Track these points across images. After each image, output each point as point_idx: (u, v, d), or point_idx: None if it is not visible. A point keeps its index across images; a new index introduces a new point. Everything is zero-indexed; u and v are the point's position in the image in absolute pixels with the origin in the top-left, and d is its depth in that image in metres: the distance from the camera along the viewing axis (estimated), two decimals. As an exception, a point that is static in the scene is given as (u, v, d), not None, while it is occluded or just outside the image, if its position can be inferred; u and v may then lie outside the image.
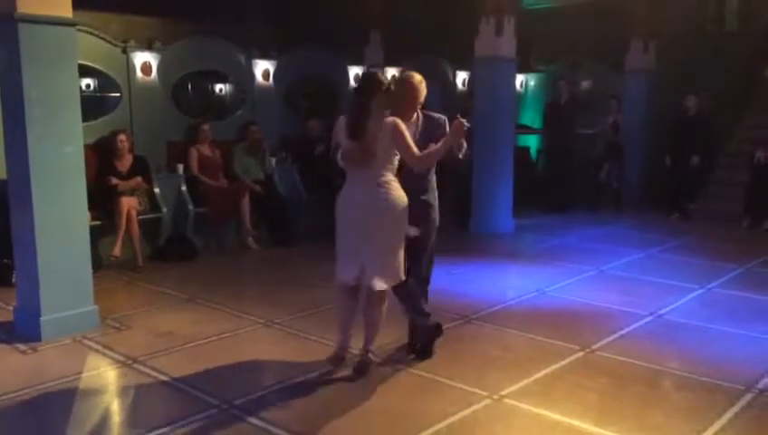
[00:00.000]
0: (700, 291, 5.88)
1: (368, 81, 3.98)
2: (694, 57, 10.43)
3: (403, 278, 4.06)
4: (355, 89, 4.14)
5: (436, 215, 4.30)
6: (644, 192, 10.51)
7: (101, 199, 6.31)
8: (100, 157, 6.74)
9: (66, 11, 4.64)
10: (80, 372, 4.15)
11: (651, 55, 10.66)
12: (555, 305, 5.54)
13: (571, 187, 10.06)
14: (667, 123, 9.83)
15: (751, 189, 8.75)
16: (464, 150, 4.02)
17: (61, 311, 4.71)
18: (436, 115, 4.20)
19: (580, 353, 4.42)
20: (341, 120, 4.00)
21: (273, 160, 8.03)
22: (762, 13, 11.02)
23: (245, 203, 7.44)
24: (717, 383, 3.96)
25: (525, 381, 3.99)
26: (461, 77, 11.05)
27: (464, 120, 3.80)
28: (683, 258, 7.15)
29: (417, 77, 4.10)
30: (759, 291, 5.86)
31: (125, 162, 6.80)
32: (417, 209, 4.08)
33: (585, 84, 11.64)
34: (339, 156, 3.96)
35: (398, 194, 3.93)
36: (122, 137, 6.79)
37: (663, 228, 8.71)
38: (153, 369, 4.17)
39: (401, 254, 4.02)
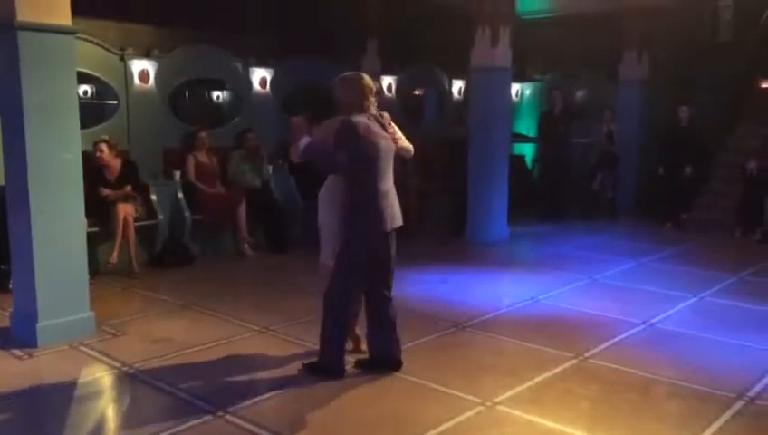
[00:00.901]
0: (693, 300, 5.93)
1: None
2: (687, 67, 10.53)
3: None
4: None
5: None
6: (638, 201, 10.57)
7: (97, 206, 6.32)
8: (91, 165, 6.72)
9: (65, 19, 4.68)
10: (76, 378, 4.17)
11: (645, 66, 10.75)
12: (549, 313, 5.58)
13: (565, 196, 10.12)
14: (660, 133, 9.91)
15: (743, 200, 8.82)
16: (297, 152, 4.07)
17: (57, 317, 4.72)
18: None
19: (573, 361, 4.46)
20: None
21: (271, 168, 8.07)
22: (755, 24, 11.14)
23: (242, 210, 7.47)
24: (709, 392, 4.00)
25: (518, 389, 4.03)
26: (457, 85, 11.12)
27: (298, 119, 4.01)
28: (676, 267, 7.20)
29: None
30: (751, 300, 5.91)
31: (113, 170, 6.73)
32: None
33: (580, 94, 11.74)
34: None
35: None
36: (101, 146, 6.63)
37: (656, 238, 8.76)
38: (149, 375, 4.19)
39: None
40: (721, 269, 6.96)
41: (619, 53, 10.79)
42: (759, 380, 4.15)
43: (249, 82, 8.42)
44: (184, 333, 4.96)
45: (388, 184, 4.12)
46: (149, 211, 7.00)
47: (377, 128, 4.05)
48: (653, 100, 10.61)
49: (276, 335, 4.95)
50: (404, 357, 4.33)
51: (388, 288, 4.28)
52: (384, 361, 4.28)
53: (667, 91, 10.22)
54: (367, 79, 4.13)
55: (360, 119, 3.97)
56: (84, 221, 5.06)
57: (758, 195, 8.61)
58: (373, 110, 4.10)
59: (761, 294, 6.12)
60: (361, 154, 3.94)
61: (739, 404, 3.84)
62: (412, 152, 4.33)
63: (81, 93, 8.35)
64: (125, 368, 4.31)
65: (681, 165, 9.36)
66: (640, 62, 10.72)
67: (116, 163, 6.77)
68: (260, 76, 8.49)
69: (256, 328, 5.07)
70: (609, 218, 10.01)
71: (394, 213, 4.15)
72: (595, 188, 10.13)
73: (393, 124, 4.21)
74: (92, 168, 6.69)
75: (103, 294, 5.82)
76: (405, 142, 4.28)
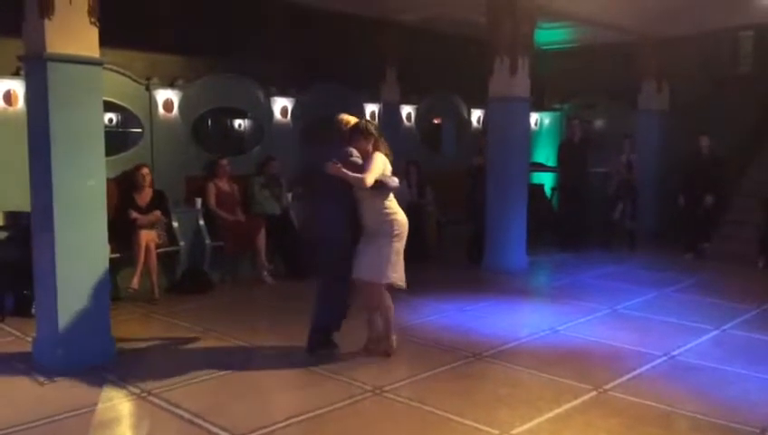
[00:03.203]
0: (715, 332, 5.85)
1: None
2: (707, 98, 10.50)
3: None
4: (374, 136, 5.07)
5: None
6: (657, 231, 10.49)
7: (121, 232, 6.43)
8: (121, 190, 6.89)
9: (93, 50, 4.81)
10: (95, 404, 4.21)
11: (664, 96, 10.75)
12: (568, 344, 5.53)
13: (584, 225, 10.07)
14: (680, 163, 9.86)
15: (765, 230, 8.71)
16: (362, 182, 4.83)
17: (79, 342, 4.79)
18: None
19: (593, 393, 4.41)
20: (384, 159, 4.99)
21: (290, 195, 8.15)
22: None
23: (261, 237, 7.54)
24: (731, 426, 3.93)
25: (537, 421, 3.99)
26: (476, 115, 11.19)
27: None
28: (697, 298, 7.12)
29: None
30: (775, 333, 5.82)
31: (145, 196, 6.94)
32: None
33: (599, 123, 11.73)
34: (390, 183, 4.97)
35: None
36: (145, 171, 6.96)
37: (677, 268, 8.67)
38: (167, 401, 4.22)
39: None
40: (743, 301, 6.86)
41: (639, 83, 10.81)
42: (783, 415, 4.07)
43: (270, 111, 8.55)
44: (203, 359, 4.99)
45: None
46: (171, 238, 7.10)
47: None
48: (672, 129, 10.59)
49: (295, 362, 4.96)
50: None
51: None
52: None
53: (687, 121, 10.18)
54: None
55: None
56: (108, 248, 5.14)
57: (781, 225, 8.52)
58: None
59: (784, 326, 6.03)
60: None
61: (762, 440, 3.78)
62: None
63: (106, 121, 8.52)
64: (144, 394, 4.34)
65: (701, 194, 9.29)
66: (660, 92, 10.73)
67: (149, 190, 6.96)
68: (281, 105, 8.62)
69: (275, 354, 5.09)
70: (627, 248, 9.93)
71: None
72: (615, 218, 10.07)
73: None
74: (124, 191, 6.84)
75: (124, 320, 5.89)
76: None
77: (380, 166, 4.92)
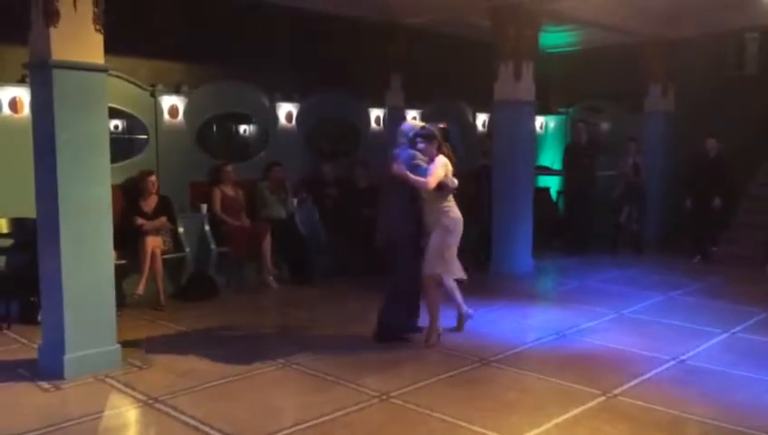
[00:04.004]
0: (724, 335, 5.80)
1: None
2: (713, 100, 10.45)
3: None
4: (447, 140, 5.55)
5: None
6: (664, 234, 10.44)
7: (127, 238, 6.44)
8: (127, 197, 6.89)
9: (98, 57, 4.81)
10: (101, 411, 4.20)
11: (670, 98, 10.71)
12: (575, 348, 5.50)
13: (590, 228, 10.02)
14: (687, 166, 9.81)
15: (773, 233, 8.67)
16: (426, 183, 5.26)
17: (84, 349, 4.78)
18: None
19: (601, 398, 4.38)
20: (446, 161, 5.30)
21: (295, 200, 8.15)
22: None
23: (267, 243, 7.53)
24: (741, 431, 3.89)
25: (545, 426, 3.96)
26: (481, 119, 11.16)
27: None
28: (705, 302, 7.08)
29: None
30: (784, 336, 5.77)
31: (150, 202, 6.94)
32: None
33: (604, 126, 11.70)
34: (450, 185, 5.34)
35: None
36: (153, 178, 6.95)
37: (684, 271, 8.62)
38: (173, 408, 4.20)
39: None
40: (752, 304, 6.82)
41: (644, 86, 10.77)
42: (793, 419, 4.03)
43: (275, 117, 8.55)
44: (209, 367, 4.97)
45: None
46: (176, 244, 7.10)
47: None
48: (679, 132, 10.55)
49: (300, 369, 4.94)
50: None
51: None
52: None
53: (693, 124, 10.14)
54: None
55: None
56: (113, 254, 5.14)
57: (788, 228, 8.46)
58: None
59: (794, 329, 5.98)
60: None
61: (773, 445, 3.74)
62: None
63: (111, 128, 8.52)
64: (150, 401, 4.33)
65: (709, 197, 9.24)
66: (666, 94, 10.69)
67: (154, 196, 6.97)
68: (286, 110, 8.63)
69: (281, 361, 5.07)
70: (634, 251, 9.88)
71: None
72: (622, 221, 10.02)
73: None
74: (130, 197, 6.85)
75: (130, 326, 5.88)
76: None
77: (442, 169, 5.27)
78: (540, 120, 11.57)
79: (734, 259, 8.86)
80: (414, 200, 5.42)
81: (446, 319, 5.75)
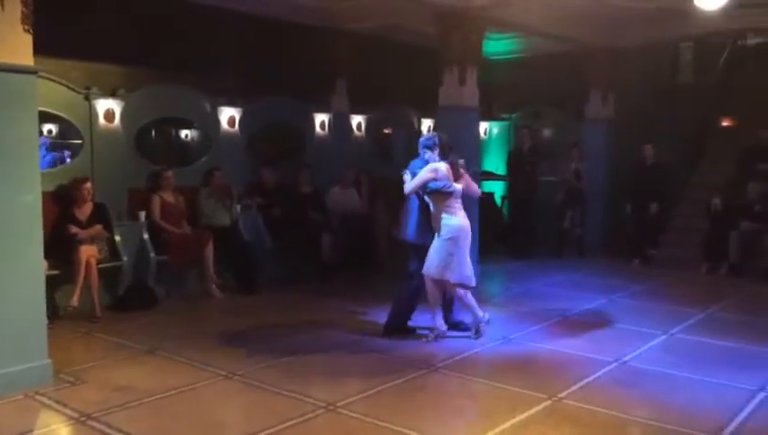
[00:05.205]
0: (663, 337, 5.93)
1: (447, 142, 5.80)
2: (651, 107, 10.77)
3: None
4: (449, 147, 5.80)
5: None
6: (605, 238, 10.67)
7: (60, 248, 6.17)
8: (60, 204, 6.61)
9: (27, 58, 4.58)
10: (30, 430, 3.98)
11: (610, 105, 10.97)
12: (521, 353, 5.53)
13: (534, 233, 10.16)
14: (626, 171, 10.06)
15: (708, 236, 8.95)
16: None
17: (12, 365, 4.51)
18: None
19: (547, 402, 4.39)
20: (444, 168, 5.57)
21: (239, 207, 7.98)
22: (714, 65, 11.49)
23: (209, 250, 7.34)
24: (683, 431, 3.95)
25: (492, 432, 3.94)
26: (426, 124, 11.19)
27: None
28: (645, 304, 7.24)
29: None
30: (721, 336, 5.93)
31: (85, 210, 6.67)
32: None
33: (547, 133, 11.90)
34: (455, 190, 5.58)
35: None
36: (88, 185, 6.67)
37: (624, 274, 8.82)
38: (107, 425, 4.01)
39: None
40: (689, 305, 7.00)
41: (586, 93, 11.01)
42: (732, 419, 4.12)
43: (217, 121, 8.37)
44: (147, 380, 4.77)
45: None
46: (113, 253, 6.83)
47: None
48: (618, 138, 10.81)
49: (243, 380, 4.80)
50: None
51: None
52: None
53: (632, 130, 10.41)
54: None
55: None
56: (44, 265, 4.90)
57: (723, 231, 8.74)
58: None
59: (729, 329, 6.16)
60: None
61: (713, 444, 3.81)
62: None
63: (45, 132, 8.20)
64: (83, 418, 4.12)
65: (647, 202, 9.49)
66: (606, 101, 10.95)
67: (89, 204, 6.69)
68: (228, 115, 8.45)
69: (222, 373, 4.91)
70: (577, 255, 10.06)
71: None
72: (564, 226, 10.19)
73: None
74: (64, 206, 6.57)
75: (63, 340, 5.61)
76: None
77: (427, 174, 5.55)
78: (484, 126, 11.68)
79: (673, 262, 9.11)
80: (427, 207, 5.71)
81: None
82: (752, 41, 11.96)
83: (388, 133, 11.36)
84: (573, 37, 9.86)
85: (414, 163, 5.83)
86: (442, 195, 5.58)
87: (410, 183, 5.63)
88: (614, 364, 5.16)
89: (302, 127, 9.46)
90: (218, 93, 8.41)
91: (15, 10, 4.48)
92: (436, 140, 5.78)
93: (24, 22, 4.54)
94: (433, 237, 5.67)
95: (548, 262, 9.62)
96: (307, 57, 9.21)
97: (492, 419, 4.12)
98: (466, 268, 5.69)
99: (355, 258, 8.58)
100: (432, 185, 5.57)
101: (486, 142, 12.01)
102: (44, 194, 4.98)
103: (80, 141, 7.20)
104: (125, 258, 6.89)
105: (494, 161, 11.92)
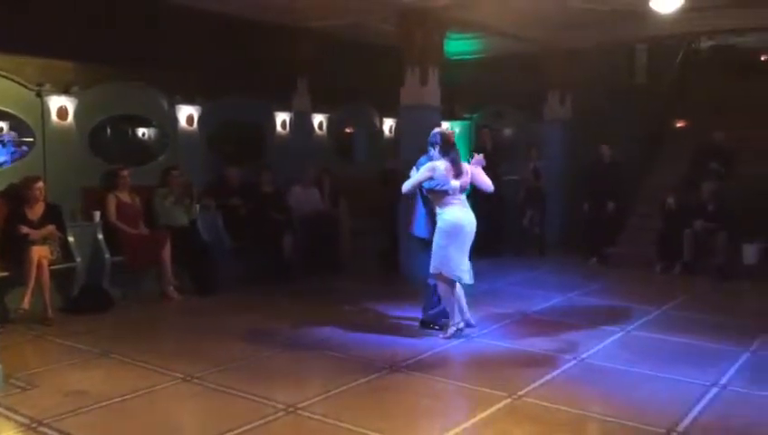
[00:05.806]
0: (620, 334, 6.03)
1: (453, 139, 5.87)
2: (607, 108, 10.96)
3: None
4: (450, 144, 5.79)
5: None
6: (564, 237, 10.82)
7: (10, 249, 5.99)
8: (10, 204, 6.41)
9: (-26, 53, 4.43)
10: (-23, 439, 3.84)
11: (567, 106, 11.13)
12: (482, 351, 5.56)
13: (497, 232, 10.23)
14: (584, 171, 10.22)
15: (663, 235, 9.13)
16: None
17: (-41, 371, 4.36)
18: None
19: (508, 400, 4.41)
20: (443, 166, 5.64)
21: (198, 207, 7.84)
22: (668, 67, 11.75)
23: (167, 251, 7.20)
24: (640, 427, 4.01)
25: (454, 431, 3.94)
26: (388, 124, 11.20)
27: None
28: (602, 301, 7.35)
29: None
30: (675, 332, 6.05)
31: (37, 210, 6.48)
32: None
33: (507, 132, 12.02)
34: (449, 188, 5.67)
35: None
36: (39, 184, 6.48)
37: (582, 273, 8.95)
38: (60, 432, 3.89)
39: None
40: (644, 303, 7.13)
41: (544, 93, 11.14)
42: (687, 414, 4.20)
43: (175, 120, 8.21)
44: (101, 385, 4.65)
45: None
46: (66, 254, 6.65)
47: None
48: (576, 138, 10.97)
49: (201, 383, 4.71)
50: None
51: None
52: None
53: (589, 130, 10.58)
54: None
55: None
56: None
57: (677, 230, 8.93)
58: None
59: (684, 326, 6.29)
60: None
61: (669, 439, 3.87)
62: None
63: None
64: (34, 425, 3.99)
65: (604, 201, 9.65)
66: (563, 102, 11.10)
67: (41, 204, 6.50)
68: (187, 113, 8.30)
69: (180, 376, 4.81)
70: (537, 254, 10.18)
71: None
72: (525, 225, 10.30)
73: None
74: (14, 206, 6.36)
75: (13, 344, 5.45)
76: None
77: (423, 173, 5.69)
78: (445, 125, 11.69)
79: (629, 260, 9.28)
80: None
81: (356, 325, 5.67)
82: (705, 44, 12.29)
83: (349, 132, 11.33)
84: (531, 38, 9.98)
85: (421, 160, 5.98)
86: (439, 192, 5.72)
87: (407, 183, 5.84)
88: (573, 362, 5.23)
89: (263, 126, 9.37)
90: (176, 91, 8.26)
91: (-39, 3, 4.33)
92: (437, 137, 5.84)
93: (-29, 15, 4.39)
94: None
95: (510, 261, 9.70)
96: (268, 56, 9.11)
97: (453, 418, 4.14)
98: (460, 263, 5.75)
99: (317, 258, 8.52)
100: (426, 184, 5.73)
101: (448, 142, 12.05)
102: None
103: (31, 139, 6.99)
104: (78, 259, 6.72)
105: (456, 161, 11.96)
